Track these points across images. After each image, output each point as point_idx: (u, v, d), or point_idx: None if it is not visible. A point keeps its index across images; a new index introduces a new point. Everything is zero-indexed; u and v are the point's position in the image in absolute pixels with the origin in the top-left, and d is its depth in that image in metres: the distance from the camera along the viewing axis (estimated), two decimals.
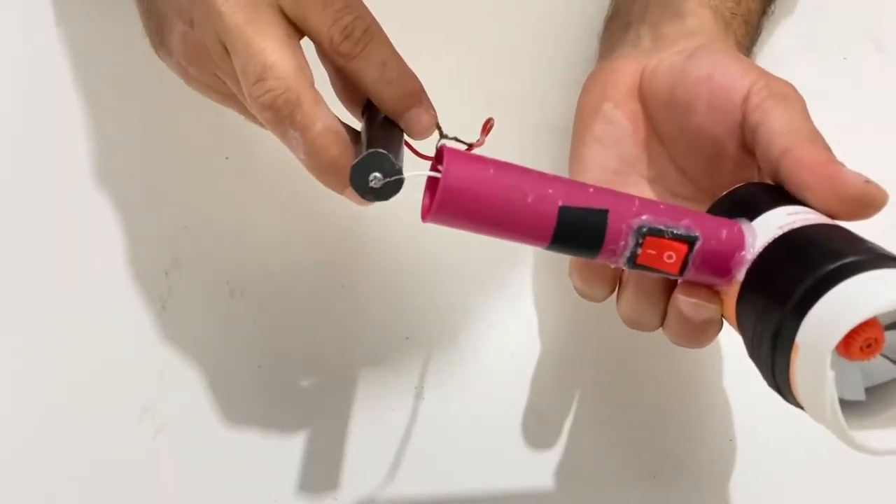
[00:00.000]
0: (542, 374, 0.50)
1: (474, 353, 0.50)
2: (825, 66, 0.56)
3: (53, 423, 0.49)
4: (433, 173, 0.35)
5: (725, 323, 0.38)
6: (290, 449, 0.48)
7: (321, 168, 0.38)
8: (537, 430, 0.49)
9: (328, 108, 0.38)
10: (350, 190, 0.36)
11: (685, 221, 0.36)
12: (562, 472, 0.48)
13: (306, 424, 0.49)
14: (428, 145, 0.38)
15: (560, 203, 0.35)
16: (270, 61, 0.37)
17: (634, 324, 0.42)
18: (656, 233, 0.35)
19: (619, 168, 0.45)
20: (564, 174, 0.46)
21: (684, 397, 0.50)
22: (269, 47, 0.37)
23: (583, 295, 0.43)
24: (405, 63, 0.39)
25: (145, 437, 0.48)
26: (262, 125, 0.39)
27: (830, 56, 0.56)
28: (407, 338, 0.50)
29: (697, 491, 0.48)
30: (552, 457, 0.49)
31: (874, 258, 0.32)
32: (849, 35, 0.57)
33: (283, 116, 0.37)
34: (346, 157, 0.37)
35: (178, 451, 0.48)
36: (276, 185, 0.52)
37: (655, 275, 0.37)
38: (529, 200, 0.34)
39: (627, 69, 0.45)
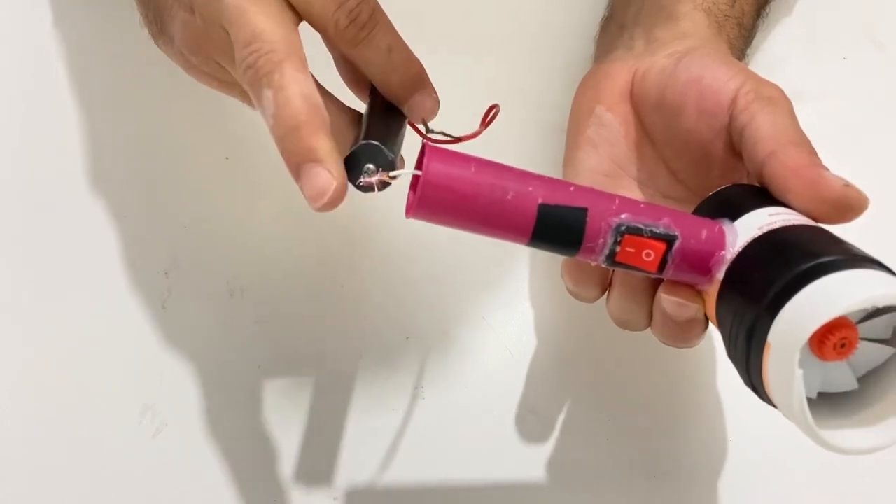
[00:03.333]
0: (542, 373, 0.50)
1: (474, 352, 0.50)
2: (825, 66, 0.56)
3: (54, 423, 0.49)
4: (416, 171, 0.35)
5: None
6: (289, 449, 0.48)
7: (285, 132, 0.35)
8: (537, 430, 0.49)
9: (313, 81, 0.36)
10: (304, 179, 0.34)
11: (665, 220, 0.36)
12: (561, 471, 0.48)
13: (306, 424, 0.49)
14: (417, 143, 0.38)
15: (540, 200, 0.35)
16: (261, 28, 0.36)
17: (623, 324, 0.42)
18: (635, 231, 0.35)
19: (611, 170, 0.45)
20: (561, 174, 0.46)
21: (684, 397, 0.50)
22: (263, 21, 0.36)
23: (574, 296, 0.43)
24: (409, 48, 0.39)
25: (145, 437, 0.48)
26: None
27: (830, 56, 0.56)
28: (407, 337, 0.50)
29: (696, 491, 0.48)
30: (551, 456, 0.49)
31: (849, 259, 0.32)
32: (848, 35, 0.57)
33: (261, 75, 0.35)
34: (313, 128, 0.35)
35: (178, 451, 0.48)
36: (276, 185, 0.52)
37: (636, 273, 0.37)
38: (509, 197, 0.35)
39: (620, 72, 0.45)
